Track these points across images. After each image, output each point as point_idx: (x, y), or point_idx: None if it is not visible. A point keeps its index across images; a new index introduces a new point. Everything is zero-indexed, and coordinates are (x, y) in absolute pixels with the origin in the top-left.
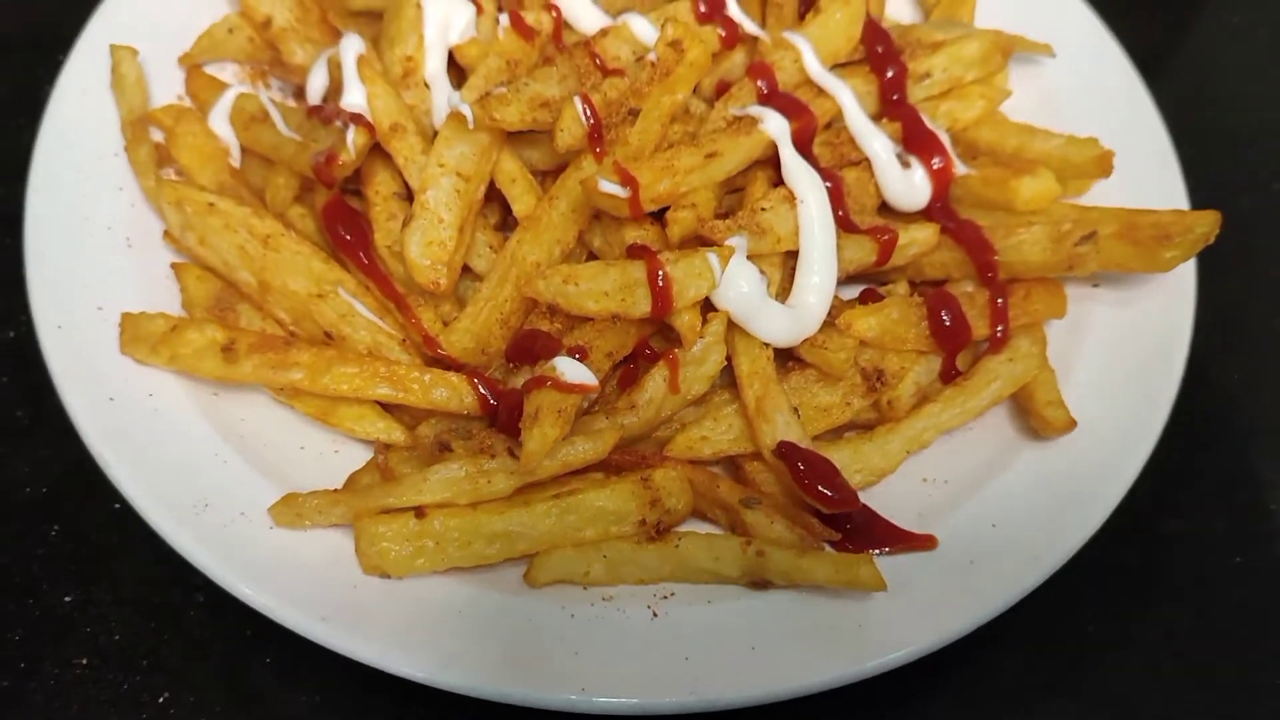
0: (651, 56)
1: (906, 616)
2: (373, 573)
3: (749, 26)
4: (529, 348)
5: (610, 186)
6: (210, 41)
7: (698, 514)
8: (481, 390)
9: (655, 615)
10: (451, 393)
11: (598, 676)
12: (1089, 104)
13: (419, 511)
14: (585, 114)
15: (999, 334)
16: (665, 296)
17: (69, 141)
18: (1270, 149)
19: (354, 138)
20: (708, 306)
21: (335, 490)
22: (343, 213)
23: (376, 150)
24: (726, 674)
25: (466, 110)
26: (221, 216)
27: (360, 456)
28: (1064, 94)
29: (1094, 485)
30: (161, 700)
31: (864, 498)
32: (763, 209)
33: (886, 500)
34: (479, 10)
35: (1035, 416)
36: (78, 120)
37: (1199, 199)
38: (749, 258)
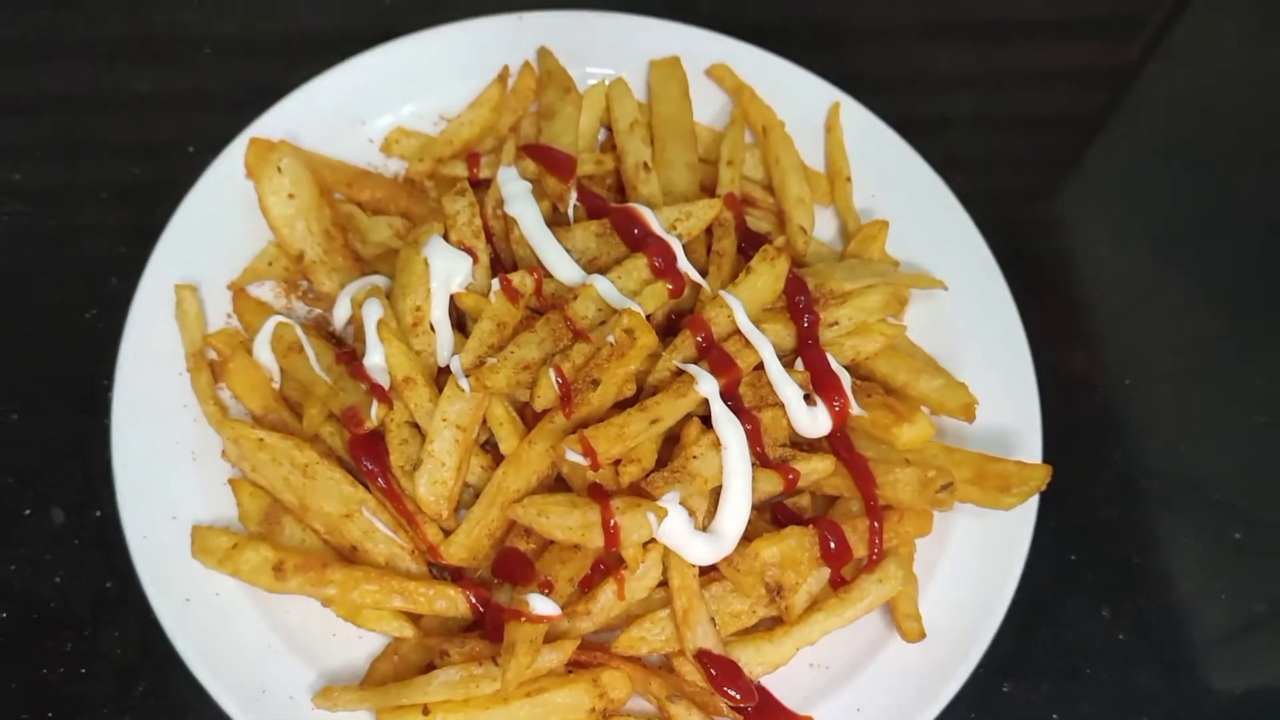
0: (610, 339)
1: None
2: None
3: (694, 276)
4: (510, 569)
5: (574, 456)
6: (253, 273)
7: (638, 694)
8: (472, 601)
9: None
10: (449, 603)
11: None
12: (972, 334)
13: (425, 709)
14: (557, 382)
15: (874, 555)
16: (614, 538)
17: (142, 368)
18: (1127, 344)
19: (376, 410)
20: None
21: (361, 688)
22: (366, 445)
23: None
24: None
25: (464, 382)
26: (269, 451)
27: (379, 640)
28: (952, 322)
29: (939, 677)
30: None
31: (764, 682)
32: (693, 456)
33: (780, 684)
34: (475, 260)
35: (896, 624)
36: (149, 347)
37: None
38: (680, 501)
